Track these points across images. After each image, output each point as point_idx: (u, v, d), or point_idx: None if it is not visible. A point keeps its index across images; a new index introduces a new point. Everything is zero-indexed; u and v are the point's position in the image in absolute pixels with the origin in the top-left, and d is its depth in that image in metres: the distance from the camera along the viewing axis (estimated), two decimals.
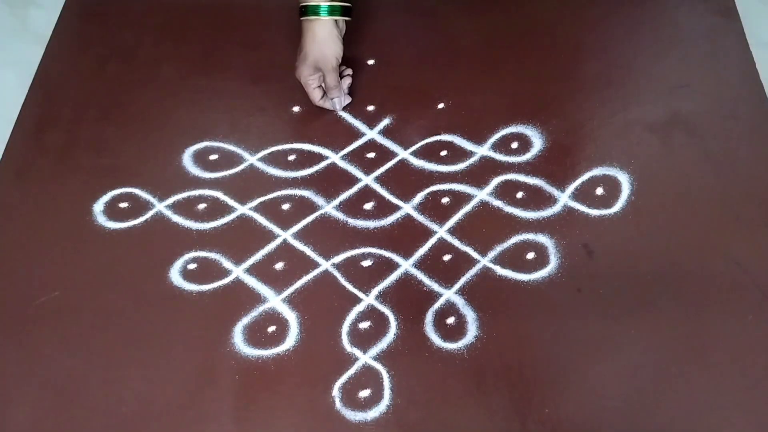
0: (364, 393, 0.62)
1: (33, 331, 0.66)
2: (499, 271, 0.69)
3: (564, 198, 0.73)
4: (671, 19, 0.88)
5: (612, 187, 0.74)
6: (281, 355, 0.65)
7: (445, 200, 0.74)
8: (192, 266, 0.70)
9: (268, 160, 0.78)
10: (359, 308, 0.67)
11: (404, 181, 0.75)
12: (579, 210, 0.72)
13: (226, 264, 0.70)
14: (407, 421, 0.61)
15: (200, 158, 0.78)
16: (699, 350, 0.64)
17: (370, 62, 0.85)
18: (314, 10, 0.75)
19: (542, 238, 0.71)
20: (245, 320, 0.67)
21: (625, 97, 0.81)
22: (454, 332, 0.65)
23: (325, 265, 0.70)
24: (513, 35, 0.87)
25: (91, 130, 0.80)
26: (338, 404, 0.62)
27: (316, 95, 0.79)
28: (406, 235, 0.72)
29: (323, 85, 0.79)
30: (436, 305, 0.67)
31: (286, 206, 0.74)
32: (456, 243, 0.71)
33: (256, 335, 0.66)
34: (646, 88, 0.82)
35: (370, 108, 0.81)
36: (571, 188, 0.74)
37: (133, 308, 0.67)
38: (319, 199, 0.74)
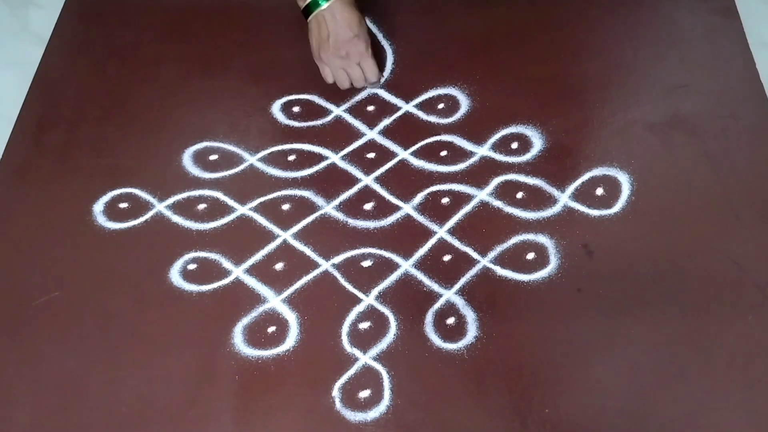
0: (364, 393, 0.62)
1: (33, 331, 0.66)
2: (499, 271, 0.69)
3: (564, 198, 0.73)
4: (671, 19, 0.88)
5: (612, 187, 0.74)
6: (281, 356, 0.65)
7: (445, 200, 0.74)
8: (192, 266, 0.70)
9: (268, 160, 0.78)
10: (359, 308, 0.67)
11: (404, 181, 0.76)
12: (579, 210, 0.72)
13: (226, 264, 0.70)
14: (407, 422, 0.61)
15: (200, 158, 0.78)
16: (699, 350, 0.64)
17: None
18: None
19: (542, 239, 0.71)
20: (245, 320, 0.67)
21: (625, 97, 0.81)
22: (454, 332, 0.65)
23: (325, 265, 0.70)
24: (513, 35, 0.87)
25: (91, 130, 0.80)
26: (338, 404, 0.62)
27: (344, 79, 0.80)
28: (406, 236, 0.72)
29: (362, 63, 0.79)
30: (436, 305, 0.67)
31: (286, 206, 0.74)
32: (456, 243, 0.71)
33: (256, 335, 0.66)
34: (646, 88, 0.82)
35: (370, 108, 0.81)
36: (571, 188, 0.74)
37: (133, 308, 0.68)
38: (319, 200, 0.74)
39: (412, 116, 0.81)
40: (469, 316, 0.66)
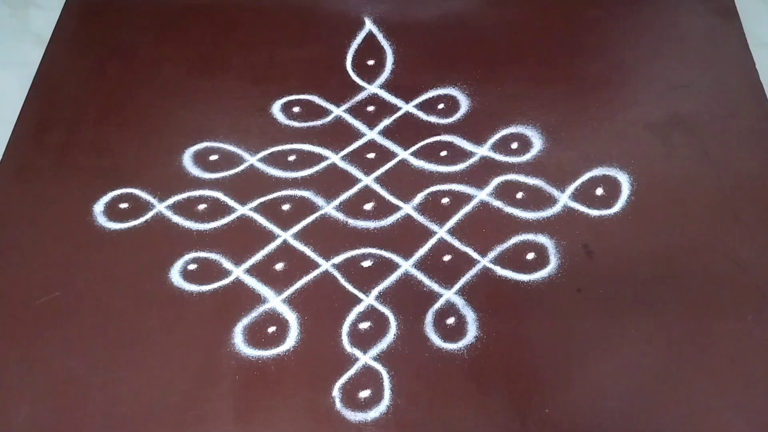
0: (364, 393, 0.63)
1: (33, 332, 0.66)
2: (499, 271, 0.69)
3: (564, 198, 0.73)
4: (671, 19, 0.88)
5: (612, 187, 0.74)
6: (281, 356, 0.65)
7: (445, 200, 0.74)
8: (192, 267, 0.70)
9: (268, 160, 0.78)
10: (359, 308, 0.67)
11: (404, 181, 0.76)
12: (579, 210, 0.73)
13: (227, 264, 0.70)
14: (407, 422, 0.61)
15: (200, 159, 0.78)
16: (699, 350, 0.64)
17: (370, 63, 0.85)
18: None
19: (542, 239, 0.71)
20: (245, 321, 0.67)
21: (625, 97, 0.81)
22: (454, 332, 0.65)
23: (325, 265, 0.70)
24: (513, 35, 0.87)
25: (91, 130, 0.80)
26: (338, 404, 0.62)
27: None
28: (406, 236, 0.72)
29: None
30: (436, 305, 0.67)
31: (286, 207, 0.74)
32: (456, 243, 0.71)
33: (256, 335, 0.66)
34: (646, 88, 0.82)
35: (370, 108, 0.81)
36: (570, 188, 0.74)
37: (133, 309, 0.68)
38: (319, 200, 0.74)
39: (412, 116, 0.81)
40: (469, 316, 0.66)
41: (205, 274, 0.69)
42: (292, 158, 0.78)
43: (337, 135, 0.79)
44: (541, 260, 0.69)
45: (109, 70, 0.86)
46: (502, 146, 0.78)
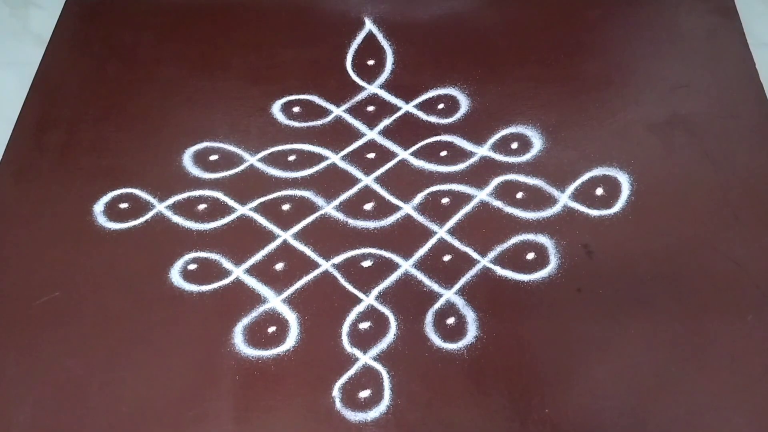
0: (364, 393, 0.63)
1: (33, 332, 0.66)
2: (499, 271, 0.69)
3: (564, 198, 0.73)
4: (671, 19, 0.88)
5: (612, 187, 0.74)
6: (281, 356, 0.65)
7: (445, 201, 0.74)
8: (192, 267, 0.70)
9: (268, 160, 0.78)
10: (359, 308, 0.67)
11: (404, 181, 0.76)
12: (579, 210, 0.73)
13: (227, 264, 0.70)
14: (407, 421, 0.61)
15: (200, 159, 0.78)
16: (699, 350, 0.64)
17: (370, 63, 0.85)
18: None
19: (542, 239, 0.71)
20: (245, 321, 0.67)
21: (625, 97, 0.81)
22: (454, 332, 0.65)
23: (325, 265, 0.70)
24: (513, 35, 0.87)
25: (91, 130, 0.80)
26: (338, 404, 0.62)
27: None
28: (406, 236, 0.72)
29: None
30: (436, 305, 0.67)
31: (286, 207, 0.74)
32: (456, 243, 0.71)
33: (256, 335, 0.66)
34: (646, 88, 0.82)
35: (370, 108, 0.81)
36: (570, 188, 0.74)
37: (133, 309, 0.68)
38: (319, 200, 0.75)
39: (412, 116, 0.81)
40: (469, 316, 0.66)
41: (205, 274, 0.69)
42: (292, 158, 0.78)
43: (337, 135, 0.79)
44: (541, 260, 0.69)
45: (109, 70, 0.86)
46: (502, 146, 0.78)
